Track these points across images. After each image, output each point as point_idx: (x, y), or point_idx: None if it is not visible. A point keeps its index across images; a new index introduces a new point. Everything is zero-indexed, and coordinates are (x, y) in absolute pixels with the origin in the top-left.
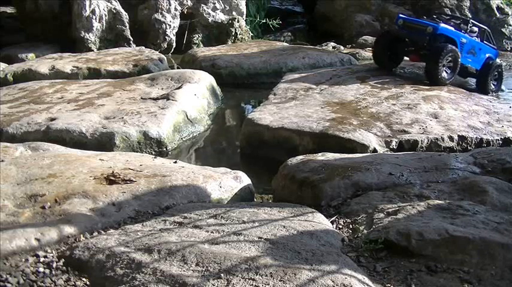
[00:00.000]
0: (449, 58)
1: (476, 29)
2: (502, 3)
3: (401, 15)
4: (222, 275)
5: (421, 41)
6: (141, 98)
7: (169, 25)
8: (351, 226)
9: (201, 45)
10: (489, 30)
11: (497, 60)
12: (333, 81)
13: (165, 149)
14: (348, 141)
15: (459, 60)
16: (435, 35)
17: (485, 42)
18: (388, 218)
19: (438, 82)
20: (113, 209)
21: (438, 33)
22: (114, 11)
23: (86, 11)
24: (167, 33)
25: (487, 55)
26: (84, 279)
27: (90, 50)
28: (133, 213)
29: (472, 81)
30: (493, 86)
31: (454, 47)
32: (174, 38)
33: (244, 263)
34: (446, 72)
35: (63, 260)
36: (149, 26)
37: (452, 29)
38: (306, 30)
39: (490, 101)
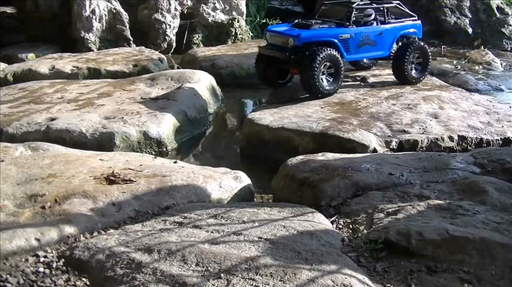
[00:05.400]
0: (327, 63)
1: (371, 11)
2: (502, 3)
3: (269, 28)
4: (222, 275)
5: (284, 57)
6: (141, 98)
7: (169, 25)
8: (351, 226)
9: (201, 45)
10: (397, 2)
11: (419, 41)
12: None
13: (165, 149)
14: (348, 141)
15: (341, 62)
16: (299, 45)
17: (390, 20)
18: (388, 218)
19: (319, 94)
20: (113, 209)
21: (302, 43)
22: (114, 11)
23: (86, 11)
24: (167, 33)
25: (400, 33)
26: (84, 279)
27: (90, 50)
28: (133, 213)
29: (473, 81)
30: (415, 73)
31: (330, 50)
32: (174, 38)
33: (244, 263)
34: (328, 80)
35: (63, 260)
36: (149, 26)
37: (326, 26)
38: None
39: (490, 101)
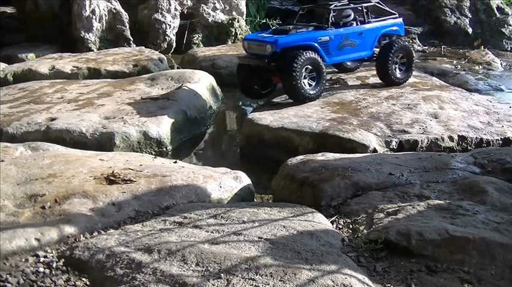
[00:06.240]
0: (309, 67)
1: (349, 12)
2: (502, 3)
3: (247, 37)
4: (222, 275)
5: (264, 65)
6: (141, 98)
7: (169, 25)
8: (351, 226)
9: (201, 45)
10: (377, 1)
11: (402, 41)
12: (332, 80)
13: (165, 149)
14: (348, 141)
15: (322, 65)
16: (277, 51)
17: (371, 20)
18: (388, 218)
19: (303, 99)
20: (113, 209)
21: (280, 49)
22: (114, 11)
23: (86, 11)
24: (167, 33)
25: (382, 32)
26: (84, 279)
27: (90, 50)
28: (133, 213)
29: (473, 81)
30: (399, 73)
31: (310, 53)
32: (174, 38)
33: (244, 263)
34: (310, 84)
35: (63, 260)
36: (149, 26)
37: (303, 30)
38: None
39: (490, 101)
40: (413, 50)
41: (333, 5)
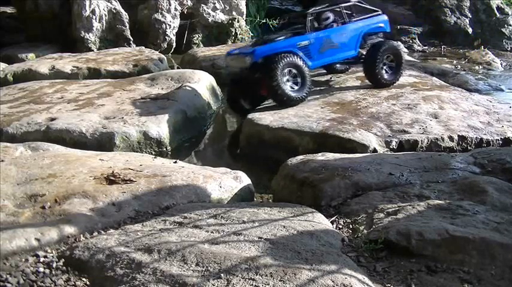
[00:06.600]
0: (291, 70)
1: (328, 14)
2: (502, 3)
3: (228, 53)
4: (222, 275)
5: (248, 76)
6: (141, 98)
7: (169, 25)
8: (351, 226)
9: (201, 45)
10: (356, 0)
11: (390, 41)
12: (332, 80)
13: (165, 149)
14: (348, 141)
15: (304, 68)
16: (257, 62)
17: (352, 20)
18: (388, 218)
19: (288, 102)
20: (113, 209)
21: (258, 58)
22: (114, 11)
23: (86, 11)
24: (167, 33)
25: (365, 30)
26: (84, 279)
27: (90, 50)
28: (133, 213)
29: (473, 81)
30: (388, 75)
31: (290, 56)
32: (174, 38)
33: (244, 263)
34: (293, 88)
35: (63, 260)
36: (149, 26)
37: (282, 38)
38: None
39: (490, 101)
40: (402, 51)
41: (312, 9)
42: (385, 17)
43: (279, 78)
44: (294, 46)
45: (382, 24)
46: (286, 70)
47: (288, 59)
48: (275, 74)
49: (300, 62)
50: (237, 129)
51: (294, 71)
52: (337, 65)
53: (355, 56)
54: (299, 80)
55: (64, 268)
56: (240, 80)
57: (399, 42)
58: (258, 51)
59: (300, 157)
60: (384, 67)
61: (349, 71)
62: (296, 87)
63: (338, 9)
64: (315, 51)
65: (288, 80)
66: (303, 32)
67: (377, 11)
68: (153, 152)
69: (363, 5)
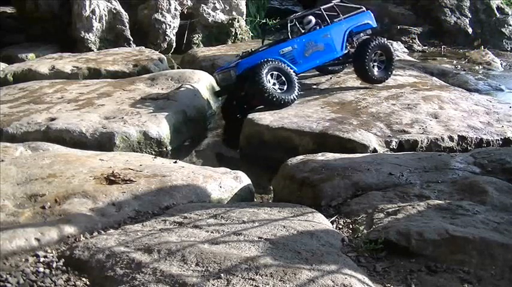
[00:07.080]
0: (277, 74)
1: (310, 18)
2: (502, 3)
3: (216, 70)
4: (222, 275)
5: (236, 89)
6: (141, 98)
7: (169, 25)
8: (351, 226)
9: (201, 45)
10: (337, 1)
11: (380, 38)
12: (332, 80)
13: (165, 149)
14: (348, 141)
15: (289, 71)
16: (242, 74)
17: (335, 20)
18: (388, 218)
19: (278, 104)
20: (113, 209)
21: (242, 71)
22: (114, 11)
23: (86, 11)
24: (167, 33)
25: (350, 29)
26: (84, 279)
27: (90, 50)
28: (133, 213)
29: (473, 81)
30: (378, 72)
31: (274, 62)
32: (174, 38)
33: (244, 263)
34: (281, 89)
35: (63, 260)
36: (149, 26)
37: (264, 48)
38: None
39: (490, 101)
40: (391, 47)
41: (292, 16)
42: (369, 14)
43: (264, 80)
44: (276, 54)
45: (367, 21)
46: (270, 74)
47: (270, 63)
48: (259, 77)
49: (283, 65)
50: (237, 130)
51: (278, 74)
52: (329, 67)
53: (344, 55)
54: (286, 82)
55: (64, 268)
56: (232, 95)
57: (396, 42)
58: (241, 64)
59: (300, 157)
60: (375, 64)
61: (349, 71)
62: (285, 88)
63: (319, 12)
64: (299, 56)
65: (274, 84)
66: (285, 39)
67: (359, 7)
68: (153, 152)
69: (344, 4)
